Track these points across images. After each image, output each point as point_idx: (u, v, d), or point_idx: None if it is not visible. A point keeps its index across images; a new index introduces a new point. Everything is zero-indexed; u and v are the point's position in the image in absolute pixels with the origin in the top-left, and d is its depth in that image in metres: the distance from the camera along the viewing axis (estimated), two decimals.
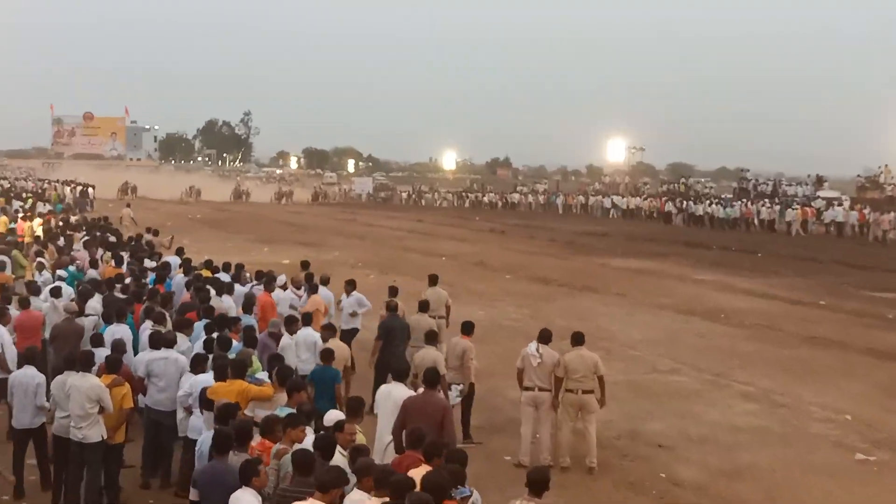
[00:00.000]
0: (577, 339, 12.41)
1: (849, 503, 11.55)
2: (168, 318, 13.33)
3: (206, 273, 17.96)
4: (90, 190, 59.97)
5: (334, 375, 11.39)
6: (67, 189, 59.68)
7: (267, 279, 16.46)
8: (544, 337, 12.45)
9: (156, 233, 28.01)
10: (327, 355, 11.59)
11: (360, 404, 8.97)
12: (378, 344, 14.19)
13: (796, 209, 54.22)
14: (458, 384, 12.80)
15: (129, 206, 37.95)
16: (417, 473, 7.25)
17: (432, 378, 9.91)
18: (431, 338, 12.70)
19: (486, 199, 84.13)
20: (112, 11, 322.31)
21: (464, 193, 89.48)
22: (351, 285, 16.83)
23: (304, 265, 19.46)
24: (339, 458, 7.97)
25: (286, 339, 12.86)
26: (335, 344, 12.43)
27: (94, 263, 19.50)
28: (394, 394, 10.07)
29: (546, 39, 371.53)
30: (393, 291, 16.66)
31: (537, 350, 12.24)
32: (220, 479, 7.63)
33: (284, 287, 16.97)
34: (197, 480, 7.96)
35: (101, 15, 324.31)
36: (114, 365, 10.59)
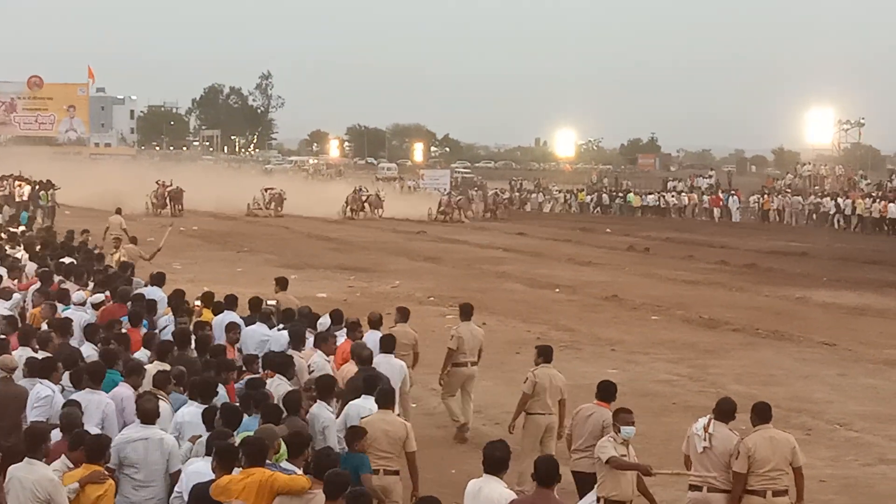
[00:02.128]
0: (762, 414, 12.24)
1: None
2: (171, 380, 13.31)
3: (205, 315, 18.18)
4: (51, 193, 59.99)
5: (360, 463, 11.41)
6: (27, 189, 60.19)
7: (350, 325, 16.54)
8: (724, 411, 12.25)
9: (133, 240, 28.63)
10: (355, 435, 11.62)
11: None
12: None
13: None
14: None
15: (119, 212, 38.52)
16: None
17: (547, 472, 9.86)
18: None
19: (619, 199, 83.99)
20: None
21: (586, 192, 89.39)
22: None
23: (280, 283, 20.15)
24: None
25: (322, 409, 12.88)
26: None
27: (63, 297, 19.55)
28: (485, 492, 10.06)
29: None
30: (402, 314, 17.34)
31: (705, 429, 12.12)
32: None
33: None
34: None
35: None
36: (97, 448, 10.37)
